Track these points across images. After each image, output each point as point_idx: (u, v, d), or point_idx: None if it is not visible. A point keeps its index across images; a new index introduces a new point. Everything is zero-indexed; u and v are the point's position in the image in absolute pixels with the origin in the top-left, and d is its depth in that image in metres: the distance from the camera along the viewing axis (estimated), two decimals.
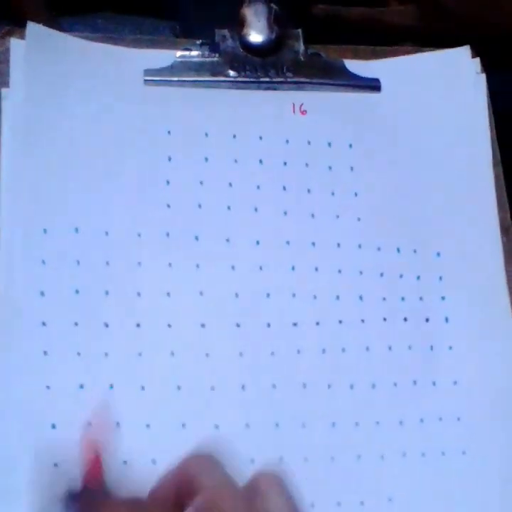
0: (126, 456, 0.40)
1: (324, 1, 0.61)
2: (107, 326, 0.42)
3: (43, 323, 0.41)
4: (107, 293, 0.42)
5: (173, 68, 0.48)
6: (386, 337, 0.44)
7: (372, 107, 0.49)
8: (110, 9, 0.66)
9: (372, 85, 0.50)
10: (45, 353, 0.40)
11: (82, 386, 0.41)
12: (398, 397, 0.43)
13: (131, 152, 0.45)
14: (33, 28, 0.45)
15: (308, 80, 0.49)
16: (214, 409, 0.42)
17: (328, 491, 0.41)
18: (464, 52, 0.50)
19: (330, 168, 0.47)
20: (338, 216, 0.45)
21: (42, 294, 0.41)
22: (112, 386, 0.41)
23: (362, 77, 0.50)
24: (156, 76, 0.47)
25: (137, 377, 0.41)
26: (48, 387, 0.40)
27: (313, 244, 0.45)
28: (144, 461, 0.40)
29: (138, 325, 0.42)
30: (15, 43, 0.46)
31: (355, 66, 0.51)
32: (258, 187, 0.45)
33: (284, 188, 0.46)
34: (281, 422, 0.42)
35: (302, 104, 0.48)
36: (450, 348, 0.44)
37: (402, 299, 0.44)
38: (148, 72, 0.47)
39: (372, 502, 0.41)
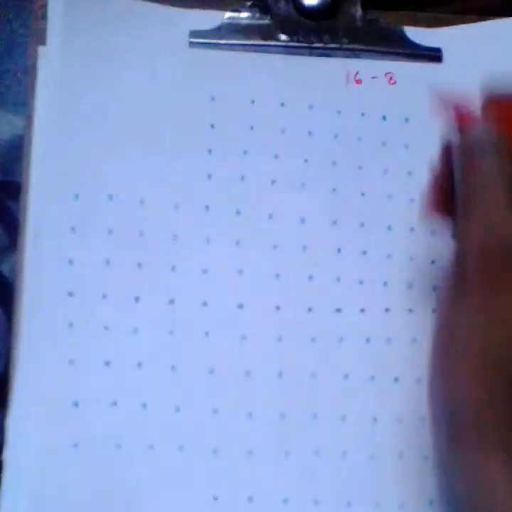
0: (151, 440, 0.38)
1: None
2: (137, 300, 0.41)
3: (70, 294, 0.40)
4: (139, 265, 0.41)
5: (221, 30, 0.47)
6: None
7: (433, 79, 0.46)
8: None
9: (434, 55, 0.48)
10: (70, 324, 0.39)
11: (107, 363, 0.39)
12: None
13: (171, 118, 0.44)
14: None
15: (364, 48, 0.48)
16: (248, 397, 0.41)
17: (367, 489, 0.40)
18: None
19: (384, 143, 0.45)
20: (390, 196, 0.44)
21: (70, 262, 0.40)
22: (139, 364, 0.40)
23: (422, 46, 0.48)
24: (202, 38, 0.46)
25: (168, 357, 0.41)
26: (71, 361, 0.39)
27: (362, 225, 0.43)
28: (169, 446, 0.39)
29: (171, 301, 0.41)
30: None
31: (416, 34, 0.49)
32: (306, 160, 0.44)
33: (334, 164, 0.44)
34: (319, 413, 0.40)
35: (357, 72, 0.47)
36: None
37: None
38: (194, 33, 0.46)
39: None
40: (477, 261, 0.31)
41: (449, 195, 0.35)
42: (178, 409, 0.40)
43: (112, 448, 0.39)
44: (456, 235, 0.33)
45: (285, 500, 0.39)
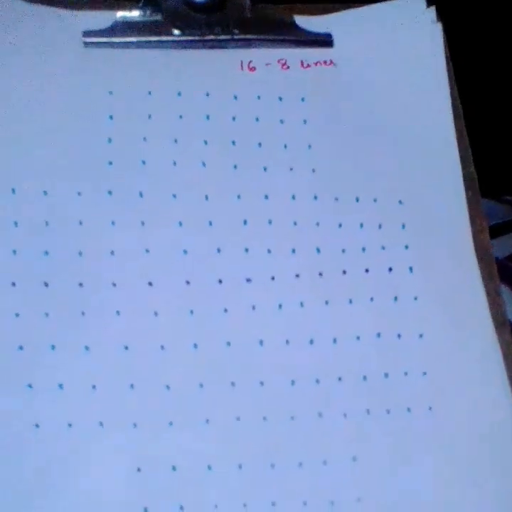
0: (70, 419, 0.39)
1: None
2: (46, 285, 0.41)
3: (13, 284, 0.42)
4: (46, 253, 0.42)
5: (114, 29, 0.49)
6: (347, 290, 0.44)
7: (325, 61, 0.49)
8: None
9: (324, 40, 0.51)
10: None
11: (21, 347, 0.40)
12: (361, 351, 0.43)
13: (71, 113, 0.46)
14: None
15: (255, 37, 0.50)
16: (165, 370, 0.41)
17: (289, 450, 0.41)
18: (417, 0, 0.51)
19: (282, 121, 0.47)
20: (291, 168, 0.46)
21: None
22: (53, 347, 0.40)
23: (312, 32, 0.50)
24: (96, 37, 0.48)
25: (81, 337, 0.41)
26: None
27: (266, 196, 0.45)
28: (89, 423, 0.39)
29: (80, 284, 0.42)
30: None
31: (306, 22, 0.51)
32: (205, 142, 0.46)
33: (234, 143, 0.46)
34: (237, 380, 0.41)
35: (251, 61, 0.49)
36: (415, 298, 0.44)
37: (363, 249, 0.44)
38: (87, 33, 0.48)
39: (335, 461, 0.41)
40: None
41: None
42: (94, 387, 0.40)
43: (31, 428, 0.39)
44: None
45: (209, 467, 0.40)
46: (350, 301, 0.43)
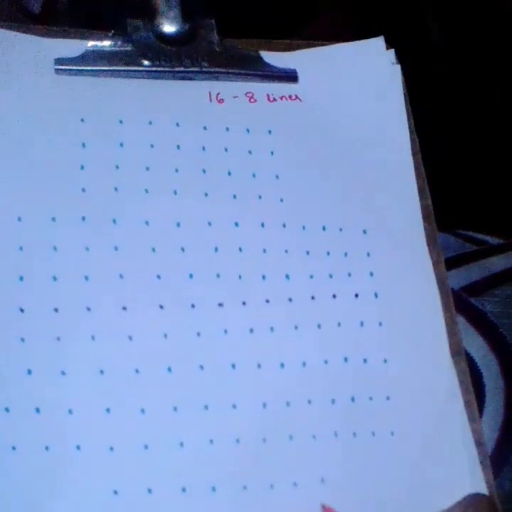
0: (47, 442, 0.39)
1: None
2: (22, 311, 0.42)
3: None
4: (21, 278, 0.43)
5: (85, 57, 0.50)
6: (315, 315, 0.45)
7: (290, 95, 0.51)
8: None
9: (289, 75, 0.53)
10: None
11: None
12: (329, 375, 0.44)
13: (42, 140, 0.46)
14: None
15: (223, 70, 0.52)
16: (139, 393, 0.42)
17: (261, 472, 0.42)
18: (378, 42, 0.54)
19: (250, 152, 0.49)
20: (260, 196, 0.47)
21: None
22: (30, 372, 0.41)
23: (278, 68, 0.53)
24: (67, 65, 0.49)
25: (56, 363, 0.42)
26: None
27: (236, 224, 0.47)
28: (66, 447, 0.40)
29: (55, 310, 0.43)
30: None
31: (272, 57, 0.54)
32: (176, 170, 0.47)
33: (204, 171, 0.48)
34: (210, 403, 0.42)
35: (219, 93, 0.51)
36: (380, 324, 0.46)
37: (330, 276, 0.46)
38: (59, 61, 0.49)
39: (305, 483, 0.42)
40: None
41: None
42: (71, 412, 0.41)
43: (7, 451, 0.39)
44: None
45: (183, 489, 0.40)
46: (319, 326, 0.45)
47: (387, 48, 0.55)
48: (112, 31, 0.52)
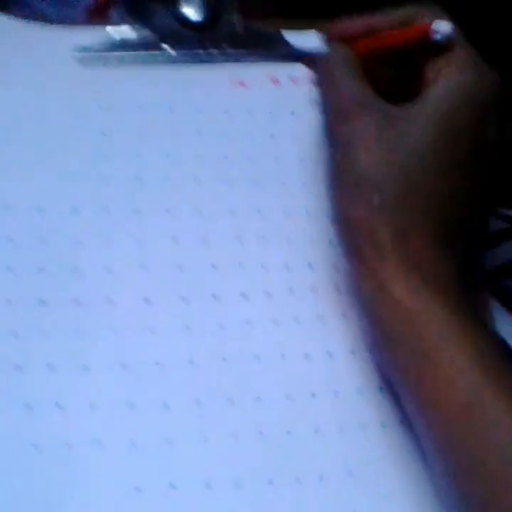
0: (69, 439, 0.40)
1: None
2: (42, 302, 0.42)
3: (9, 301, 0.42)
4: (42, 270, 0.43)
5: (106, 45, 0.50)
6: (340, 305, 0.45)
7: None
8: None
9: (312, 55, 0.51)
10: None
11: (18, 366, 0.41)
12: (356, 366, 0.44)
13: (62, 128, 0.46)
14: None
15: (246, 52, 0.51)
16: (162, 387, 0.42)
17: (286, 466, 0.41)
18: None
19: (272, 136, 0.48)
20: (283, 183, 0.47)
21: None
22: (50, 366, 0.41)
23: (301, 47, 0.51)
24: (88, 53, 0.49)
25: (77, 357, 0.41)
26: None
27: (259, 211, 0.46)
28: (87, 443, 0.40)
29: (76, 301, 0.42)
30: None
31: (294, 37, 0.53)
32: (198, 157, 0.47)
33: (226, 157, 0.47)
34: (234, 396, 0.42)
35: (241, 76, 0.50)
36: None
37: None
38: (79, 48, 0.49)
39: (331, 476, 0.41)
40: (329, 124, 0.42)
41: None
42: (93, 406, 0.40)
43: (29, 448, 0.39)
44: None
45: (207, 485, 0.40)
46: (344, 316, 0.44)
47: None
48: (134, 18, 0.51)
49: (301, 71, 0.51)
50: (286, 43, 0.52)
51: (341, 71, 0.42)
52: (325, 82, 0.43)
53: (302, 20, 0.54)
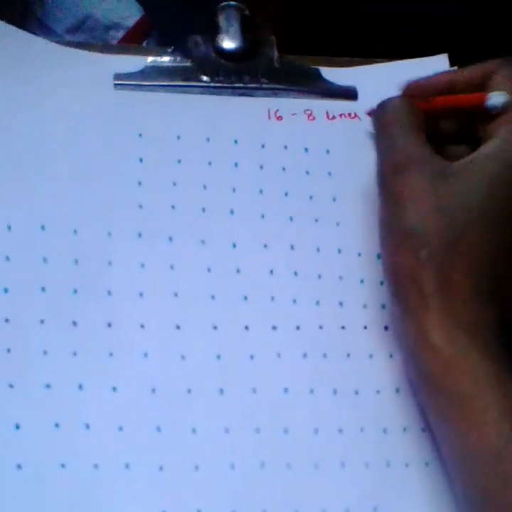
0: (96, 460, 0.40)
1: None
2: (75, 324, 0.42)
3: (6, 320, 0.42)
4: (75, 292, 0.43)
5: (144, 73, 0.51)
6: (367, 344, 0.45)
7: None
8: None
9: (349, 92, 0.52)
10: (8, 350, 0.41)
11: (48, 386, 0.41)
12: (394, 404, 0.44)
13: (100, 154, 0.47)
14: None
15: (283, 87, 0.52)
16: (191, 413, 0.42)
17: (312, 498, 0.41)
18: (441, 59, 0.53)
19: (307, 172, 0.49)
20: (316, 220, 0.47)
21: (6, 290, 0.42)
22: (81, 387, 0.41)
23: (337, 84, 0.52)
24: (126, 80, 0.50)
25: (108, 378, 0.42)
26: (11, 385, 0.42)
27: (292, 247, 0.47)
28: (115, 465, 0.40)
29: (109, 324, 0.43)
30: None
31: (331, 73, 0.54)
32: (233, 189, 0.47)
33: (261, 191, 0.48)
34: (262, 426, 0.42)
35: (277, 110, 0.51)
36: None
37: (383, 306, 0.46)
38: (118, 76, 0.50)
39: (357, 510, 0.42)
40: (382, 175, 0.44)
41: None
42: (121, 429, 0.41)
43: (56, 468, 0.39)
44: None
45: None
46: (371, 356, 0.45)
47: (451, 66, 0.54)
48: (172, 47, 0.52)
49: (337, 108, 0.51)
50: (324, 79, 0.52)
51: (402, 124, 0.44)
52: (384, 134, 0.45)
53: (340, 58, 0.54)
